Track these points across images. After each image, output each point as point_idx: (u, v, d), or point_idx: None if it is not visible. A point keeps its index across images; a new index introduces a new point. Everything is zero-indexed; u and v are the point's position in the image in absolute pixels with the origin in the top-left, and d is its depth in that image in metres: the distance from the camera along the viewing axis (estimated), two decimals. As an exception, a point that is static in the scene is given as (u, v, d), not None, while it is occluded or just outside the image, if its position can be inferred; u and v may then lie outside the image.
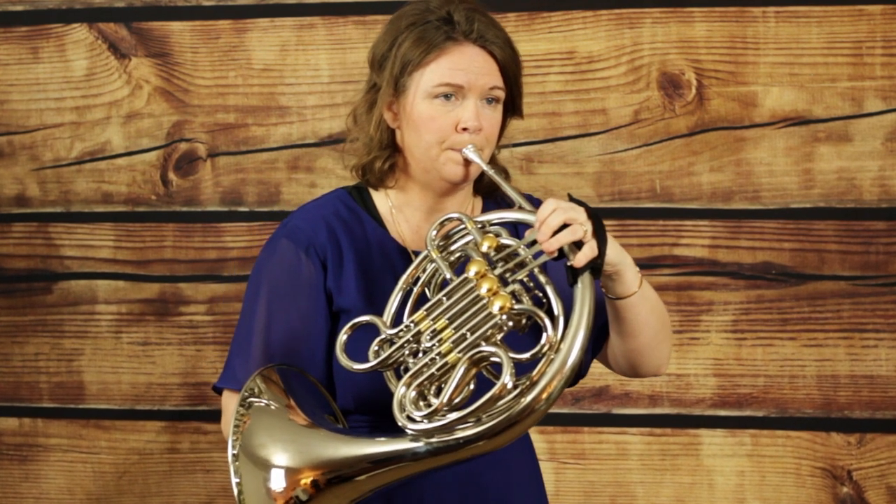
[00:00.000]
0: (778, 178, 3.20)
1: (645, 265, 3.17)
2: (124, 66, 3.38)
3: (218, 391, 2.23)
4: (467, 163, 2.15)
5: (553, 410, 2.03)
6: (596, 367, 2.32)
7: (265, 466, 2.00)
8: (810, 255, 3.21)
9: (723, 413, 3.25)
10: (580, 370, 2.19)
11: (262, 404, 2.04)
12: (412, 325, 2.06)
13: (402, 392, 2.01)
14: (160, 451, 3.44)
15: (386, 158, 2.20)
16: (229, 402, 2.18)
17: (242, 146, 3.36)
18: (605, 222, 2.06)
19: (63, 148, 3.41)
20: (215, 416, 3.35)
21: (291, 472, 2.00)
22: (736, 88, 3.20)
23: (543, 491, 2.30)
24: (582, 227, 2.01)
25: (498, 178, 2.14)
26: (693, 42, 3.20)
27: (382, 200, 2.24)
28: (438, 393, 2.01)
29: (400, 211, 2.23)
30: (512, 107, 2.22)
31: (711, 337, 3.24)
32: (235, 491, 1.98)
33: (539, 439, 3.22)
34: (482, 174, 2.18)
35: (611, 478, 3.29)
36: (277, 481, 2.00)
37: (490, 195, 2.28)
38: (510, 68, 2.18)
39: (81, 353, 3.44)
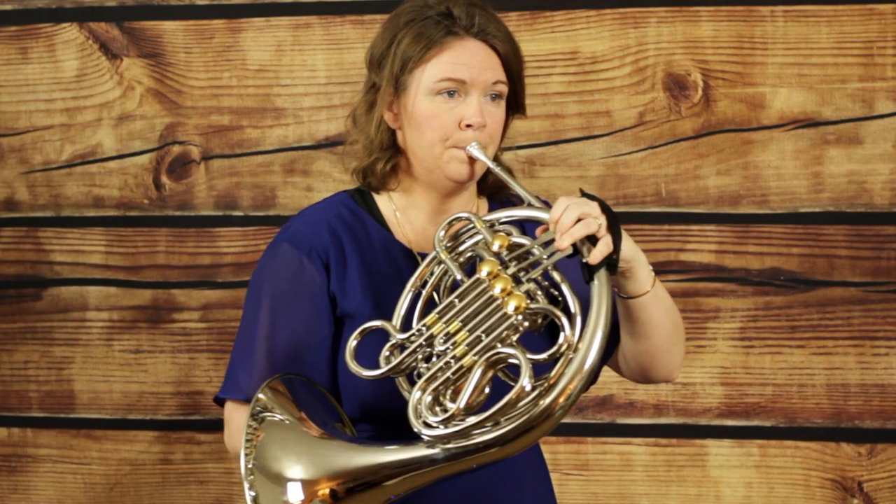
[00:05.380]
0: (786, 182, 3.19)
1: (650, 271, 3.17)
2: (116, 67, 3.37)
3: (220, 402, 2.21)
4: (472, 161, 2.13)
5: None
6: (601, 374, 2.27)
7: (281, 480, 1.99)
8: (820, 261, 3.20)
9: (730, 423, 3.24)
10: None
11: (276, 419, 2.03)
12: (424, 328, 2.03)
13: (417, 397, 1.99)
14: (152, 461, 3.43)
15: (387, 160, 2.18)
16: (234, 414, 2.17)
17: (237, 149, 3.35)
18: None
19: (53, 150, 3.40)
20: (209, 425, 3.38)
21: (309, 484, 1.99)
22: (743, 89, 3.19)
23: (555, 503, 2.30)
24: (596, 220, 1.99)
25: (504, 175, 2.11)
26: (699, 42, 3.19)
27: (385, 203, 2.22)
28: (454, 398, 1.98)
29: (404, 213, 2.21)
30: (515, 104, 2.20)
31: (718, 345, 3.23)
32: None
33: (541, 450, 3.21)
34: (486, 174, 2.17)
35: (615, 489, 3.28)
36: (295, 494, 1.98)
37: (495, 196, 2.26)
38: (513, 63, 2.16)
39: (72, 361, 3.43)
